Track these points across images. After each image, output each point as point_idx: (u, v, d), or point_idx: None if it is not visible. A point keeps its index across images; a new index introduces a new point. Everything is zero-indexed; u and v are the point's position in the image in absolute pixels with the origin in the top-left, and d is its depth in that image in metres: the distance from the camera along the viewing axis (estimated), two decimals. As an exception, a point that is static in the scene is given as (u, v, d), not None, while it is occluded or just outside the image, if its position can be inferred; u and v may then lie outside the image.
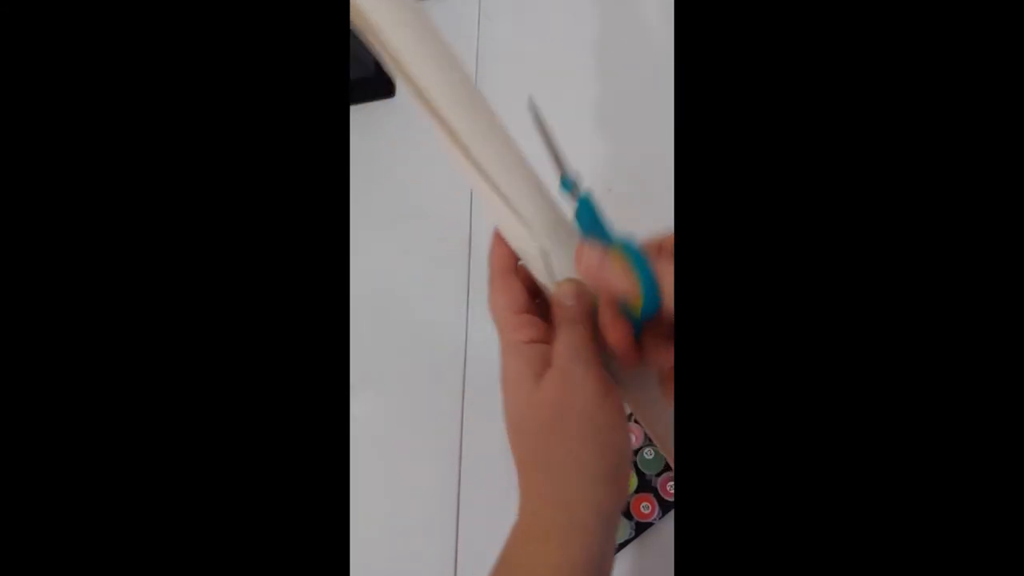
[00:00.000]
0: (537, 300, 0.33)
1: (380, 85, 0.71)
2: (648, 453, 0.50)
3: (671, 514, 0.49)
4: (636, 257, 0.29)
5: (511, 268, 0.33)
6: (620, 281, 0.29)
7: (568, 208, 0.32)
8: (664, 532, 0.49)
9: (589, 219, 0.32)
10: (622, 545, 0.49)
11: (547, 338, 0.31)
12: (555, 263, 0.32)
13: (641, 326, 0.31)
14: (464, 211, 0.62)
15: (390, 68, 0.31)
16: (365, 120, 0.70)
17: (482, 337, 0.58)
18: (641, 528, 0.49)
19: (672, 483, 0.49)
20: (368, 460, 0.58)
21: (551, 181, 0.32)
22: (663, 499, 0.49)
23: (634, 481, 0.50)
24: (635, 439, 0.51)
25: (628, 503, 0.49)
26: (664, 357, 0.31)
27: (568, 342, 0.30)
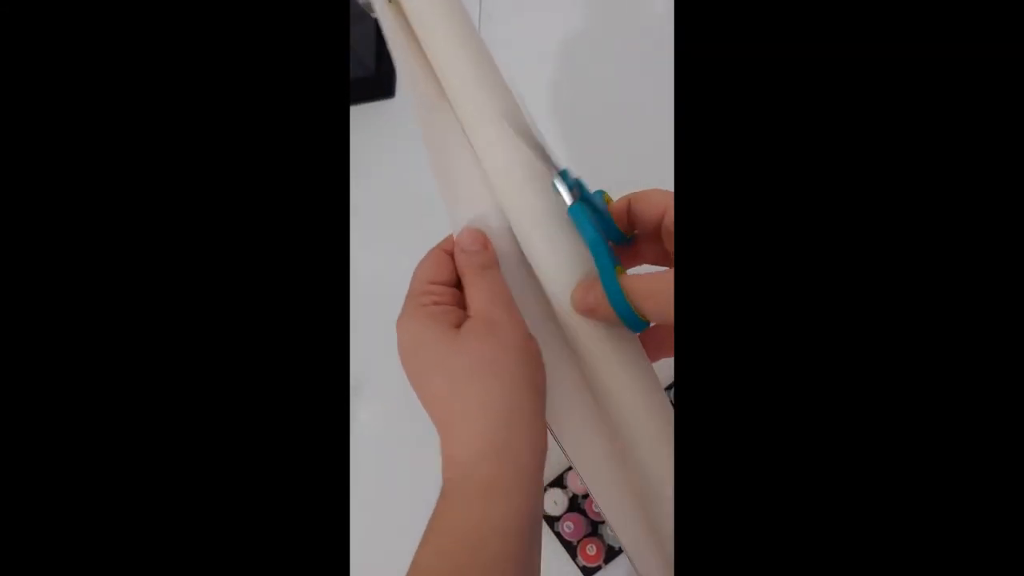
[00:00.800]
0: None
1: (380, 85, 0.71)
2: (649, 455, 0.50)
3: (672, 516, 0.49)
4: (610, 288, 0.29)
5: (451, 250, 0.33)
6: (608, 315, 0.29)
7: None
8: (665, 535, 0.49)
9: (582, 227, 0.31)
10: (623, 548, 0.48)
11: (458, 304, 0.31)
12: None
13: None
14: (464, 212, 0.62)
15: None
16: (365, 120, 0.70)
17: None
18: (642, 530, 0.49)
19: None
20: (367, 462, 0.58)
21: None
22: (664, 501, 0.49)
23: (635, 483, 0.49)
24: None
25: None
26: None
27: (482, 288, 0.30)
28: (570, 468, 0.51)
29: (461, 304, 0.31)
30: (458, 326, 0.29)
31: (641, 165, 0.60)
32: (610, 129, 0.61)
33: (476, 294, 0.30)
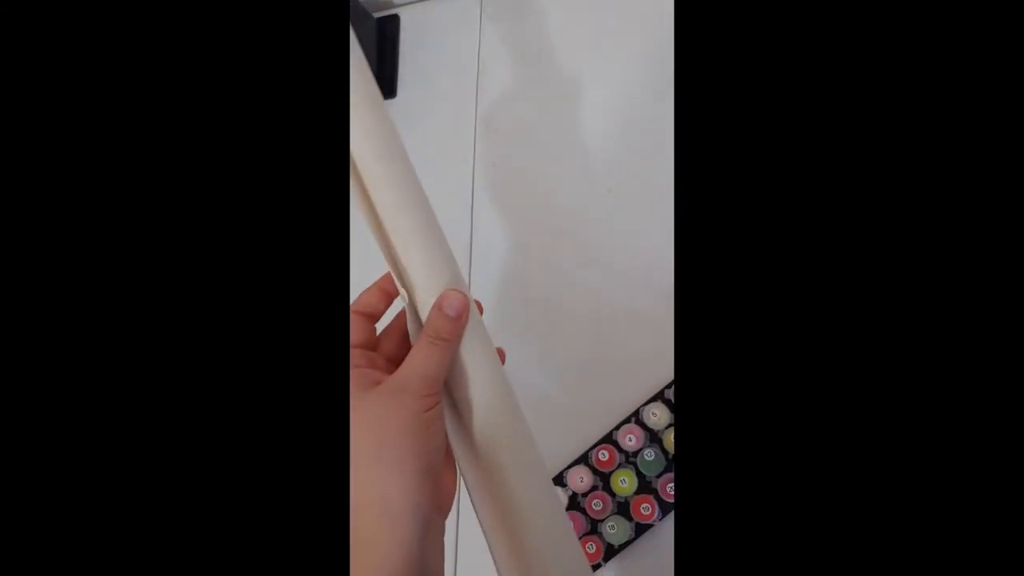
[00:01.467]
0: (383, 343, 0.36)
1: (380, 84, 0.71)
2: (648, 455, 0.50)
3: (671, 515, 0.49)
4: None
5: (367, 311, 0.35)
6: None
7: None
8: (664, 533, 0.49)
9: None
10: (623, 546, 0.49)
11: (376, 367, 0.33)
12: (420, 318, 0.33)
13: None
14: (465, 212, 0.63)
15: None
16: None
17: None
18: (641, 529, 0.49)
19: (672, 484, 0.49)
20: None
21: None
22: (663, 500, 0.49)
23: (634, 482, 0.50)
24: (635, 440, 0.51)
25: (628, 504, 0.49)
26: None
27: (419, 358, 0.31)
28: (570, 467, 0.51)
29: (378, 364, 0.33)
30: (374, 385, 0.31)
31: (641, 164, 0.60)
32: (609, 129, 0.61)
33: (409, 360, 0.31)
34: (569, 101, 0.63)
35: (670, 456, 0.50)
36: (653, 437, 0.51)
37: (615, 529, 0.48)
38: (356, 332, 0.34)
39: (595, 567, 0.49)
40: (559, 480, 0.52)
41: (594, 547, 0.49)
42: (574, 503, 0.51)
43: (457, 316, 0.32)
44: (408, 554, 0.28)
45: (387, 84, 0.71)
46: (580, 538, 0.49)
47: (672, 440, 0.50)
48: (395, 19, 0.74)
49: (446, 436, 0.33)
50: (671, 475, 0.50)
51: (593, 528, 0.50)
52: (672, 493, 0.49)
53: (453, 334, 0.32)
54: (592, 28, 0.66)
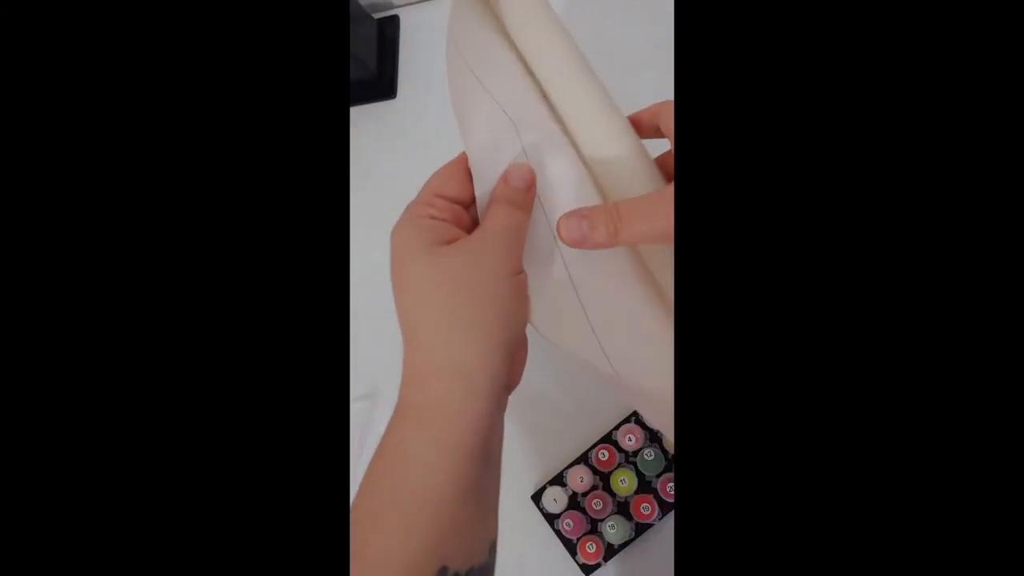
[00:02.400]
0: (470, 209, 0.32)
1: (380, 85, 0.72)
2: (648, 454, 0.50)
3: (671, 515, 0.49)
4: None
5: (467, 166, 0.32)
6: (596, 244, 0.29)
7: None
8: (664, 532, 0.49)
9: None
10: (622, 545, 0.49)
11: (457, 223, 0.30)
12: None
13: None
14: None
15: None
16: (365, 120, 0.70)
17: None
18: (641, 529, 0.49)
19: (672, 484, 0.49)
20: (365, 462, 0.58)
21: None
22: (663, 500, 0.49)
23: (634, 482, 0.50)
24: (635, 440, 0.51)
25: (628, 503, 0.49)
26: None
27: (498, 219, 0.29)
28: (570, 466, 0.51)
29: (462, 223, 0.30)
30: (449, 242, 0.28)
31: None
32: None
33: (488, 221, 0.29)
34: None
35: (670, 456, 0.50)
36: (653, 437, 0.51)
37: (615, 528, 0.48)
38: (454, 185, 0.31)
39: (595, 566, 0.49)
40: (559, 480, 0.52)
41: (594, 546, 0.49)
42: (574, 503, 0.51)
43: (527, 188, 0.30)
44: (481, 428, 0.26)
45: (387, 84, 0.71)
46: (580, 538, 0.49)
47: (672, 440, 0.50)
48: (395, 20, 0.74)
49: (527, 310, 0.30)
50: (671, 475, 0.50)
51: (593, 528, 0.50)
52: (672, 493, 0.49)
53: (520, 200, 0.29)
54: (591, 28, 0.66)
